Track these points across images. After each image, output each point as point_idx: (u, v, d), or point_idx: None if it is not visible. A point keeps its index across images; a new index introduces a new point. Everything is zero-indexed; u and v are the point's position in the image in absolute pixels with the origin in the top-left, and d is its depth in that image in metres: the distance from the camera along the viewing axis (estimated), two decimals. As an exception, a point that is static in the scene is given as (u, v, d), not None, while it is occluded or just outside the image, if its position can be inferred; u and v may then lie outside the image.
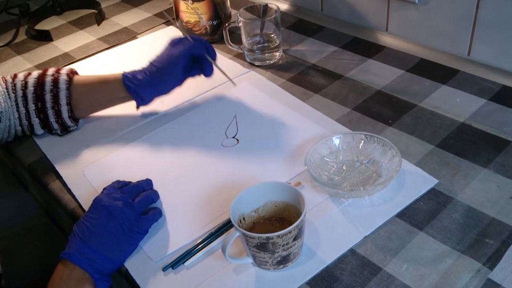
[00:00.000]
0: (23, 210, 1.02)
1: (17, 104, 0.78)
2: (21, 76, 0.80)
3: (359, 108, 0.81)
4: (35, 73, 0.81)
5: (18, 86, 0.78)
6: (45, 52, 1.08)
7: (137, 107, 0.82)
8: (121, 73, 0.80)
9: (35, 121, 0.79)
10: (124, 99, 0.81)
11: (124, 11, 1.22)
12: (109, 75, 0.81)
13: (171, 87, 0.81)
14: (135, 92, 0.79)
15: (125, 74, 0.80)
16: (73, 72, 0.82)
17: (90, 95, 0.81)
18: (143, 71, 0.79)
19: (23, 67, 1.04)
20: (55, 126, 0.80)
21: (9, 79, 0.80)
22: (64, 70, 0.81)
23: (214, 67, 0.82)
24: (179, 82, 0.81)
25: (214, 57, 0.82)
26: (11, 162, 0.87)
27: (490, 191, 0.64)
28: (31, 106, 0.78)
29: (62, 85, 0.79)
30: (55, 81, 0.79)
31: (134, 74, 0.80)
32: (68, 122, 0.81)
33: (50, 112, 0.79)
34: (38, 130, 0.80)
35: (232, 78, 0.91)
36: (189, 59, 0.80)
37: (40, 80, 0.79)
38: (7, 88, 0.78)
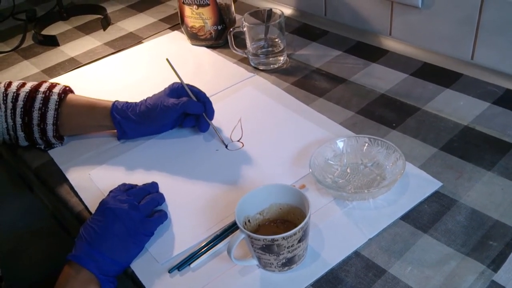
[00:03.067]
0: (29, 213, 1.03)
1: (5, 115, 0.78)
2: (14, 86, 0.80)
3: (363, 111, 0.82)
4: (28, 86, 0.80)
5: (9, 97, 0.78)
6: (51, 57, 1.09)
7: (118, 138, 0.81)
8: (112, 102, 0.79)
9: (20, 134, 0.80)
10: (111, 128, 0.81)
11: (130, 16, 1.23)
12: (100, 101, 0.80)
13: (158, 132, 0.81)
14: (119, 125, 0.78)
15: (115, 104, 0.79)
16: (66, 91, 0.81)
17: (77, 118, 0.80)
18: (134, 107, 0.78)
19: (29, 71, 1.05)
20: (39, 141, 0.81)
21: (2, 88, 0.79)
22: (57, 89, 0.80)
23: (213, 126, 0.80)
24: (167, 129, 0.81)
25: (211, 116, 0.80)
26: (17, 165, 0.88)
27: (494, 194, 0.65)
28: (18, 120, 0.78)
29: (51, 105, 0.78)
30: (46, 100, 0.78)
31: (124, 107, 0.78)
32: (52, 140, 0.81)
33: (36, 129, 0.79)
34: (23, 142, 0.81)
35: (237, 82, 0.93)
36: (182, 114, 0.79)
37: (31, 95, 0.78)
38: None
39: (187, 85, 0.79)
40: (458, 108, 0.80)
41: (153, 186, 0.71)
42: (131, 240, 0.62)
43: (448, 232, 0.61)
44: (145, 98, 0.79)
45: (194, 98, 0.78)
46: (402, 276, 0.56)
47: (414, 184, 0.67)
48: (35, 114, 0.78)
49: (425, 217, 0.63)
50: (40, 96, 0.79)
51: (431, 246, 0.59)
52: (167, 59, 0.79)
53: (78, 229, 0.63)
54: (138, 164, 0.77)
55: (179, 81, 0.79)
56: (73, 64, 1.06)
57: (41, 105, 0.78)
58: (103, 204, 0.64)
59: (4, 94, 0.79)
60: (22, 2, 1.38)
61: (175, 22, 1.16)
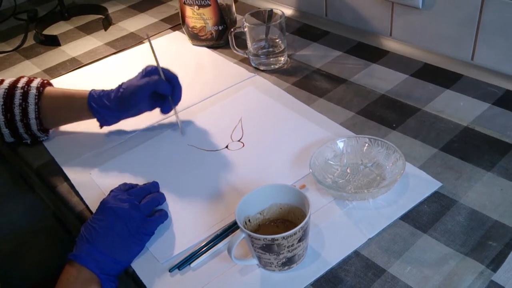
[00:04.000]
0: (31, 212, 1.03)
1: None
2: None
3: (363, 112, 0.82)
4: (6, 83, 0.81)
5: None
6: (53, 57, 1.10)
7: (100, 126, 0.82)
8: (89, 91, 0.80)
9: (5, 131, 0.80)
10: (91, 117, 0.81)
11: (131, 16, 1.23)
12: (78, 92, 0.81)
13: (136, 114, 0.81)
14: (98, 114, 0.79)
15: (91, 93, 0.80)
16: (44, 85, 0.82)
17: (57, 111, 0.81)
18: (110, 94, 0.79)
19: (31, 71, 1.05)
20: (25, 136, 0.82)
21: None
22: (35, 83, 0.81)
23: (175, 111, 0.82)
24: (145, 110, 0.81)
25: (177, 100, 0.81)
26: (19, 164, 0.88)
27: (494, 194, 0.65)
28: (1, 117, 0.79)
29: (31, 100, 0.79)
30: (25, 95, 0.79)
31: (100, 95, 0.79)
32: (38, 133, 0.82)
33: (19, 124, 0.80)
34: (8, 138, 0.82)
35: (238, 82, 0.93)
36: (153, 93, 0.79)
37: (10, 92, 0.79)
38: None
39: (162, 68, 0.79)
40: (458, 108, 0.80)
41: (154, 185, 0.71)
42: (132, 239, 0.62)
43: (447, 232, 0.61)
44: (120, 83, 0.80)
45: (164, 79, 0.79)
46: (401, 276, 0.57)
47: (414, 184, 0.67)
48: (17, 110, 0.79)
49: (424, 217, 0.63)
50: (19, 92, 0.79)
51: (430, 246, 0.60)
52: (147, 36, 0.82)
53: (79, 229, 0.63)
54: (139, 163, 0.78)
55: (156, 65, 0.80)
56: (74, 64, 1.06)
57: (21, 101, 0.79)
58: (104, 204, 0.64)
59: None
60: (23, 2, 1.38)
61: (176, 22, 1.16)
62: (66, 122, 0.85)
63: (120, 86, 0.79)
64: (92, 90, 0.80)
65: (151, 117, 0.87)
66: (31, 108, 0.79)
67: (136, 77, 0.80)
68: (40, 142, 0.84)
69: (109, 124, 0.82)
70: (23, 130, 0.80)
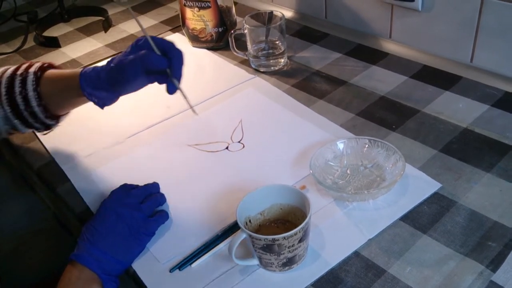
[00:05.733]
0: (31, 213, 1.03)
1: None
2: None
3: (363, 113, 0.82)
4: (10, 71, 0.75)
5: None
6: (53, 58, 1.10)
7: (100, 107, 0.72)
8: (79, 71, 0.71)
9: (16, 122, 0.75)
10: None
11: (131, 18, 1.24)
12: (72, 72, 0.73)
13: (131, 91, 0.71)
14: (92, 96, 0.71)
15: (82, 74, 0.70)
16: (42, 69, 0.75)
17: (58, 95, 0.74)
18: (99, 73, 0.70)
19: (31, 73, 1.05)
20: (36, 125, 0.76)
21: None
22: (33, 67, 0.74)
23: (178, 86, 0.69)
24: (143, 85, 0.71)
25: (177, 73, 0.68)
26: (19, 165, 0.88)
27: (493, 195, 0.65)
28: (7, 109, 0.74)
29: (29, 86, 0.72)
30: (23, 82, 0.73)
31: (90, 76, 0.70)
32: (47, 121, 0.75)
33: (26, 114, 0.74)
34: (23, 129, 0.77)
35: (238, 84, 0.93)
36: (144, 68, 0.67)
37: (11, 80, 0.73)
38: None
39: (152, 37, 0.68)
40: (458, 110, 0.80)
41: (155, 186, 0.71)
42: (133, 239, 0.62)
43: (447, 232, 0.61)
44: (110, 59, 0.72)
45: (157, 52, 0.67)
46: (401, 276, 0.57)
47: (414, 185, 0.68)
48: (19, 99, 0.73)
49: (424, 218, 0.64)
50: (18, 79, 0.73)
51: (430, 247, 0.60)
52: (128, 8, 0.74)
53: (80, 229, 0.63)
54: (140, 164, 0.78)
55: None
56: (74, 65, 1.06)
57: (20, 88, 0.73)
58: (105, 204, 0.65)
59: None
60: (23, 4, 1.39)
61: (176, 24, 1.16)
62: (71, 106, 0.77)
63: (109, 62, 0.70)
64: (83, 69, 0.72)
65: (152, 117, 0.87)
66: (31, 94, 0.72)
67: (125, 51, 0.70)
68: (40, 143, 0.84)
69: (107, 104, 0.72)
70: (31, 119, 0.74)
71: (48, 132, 0.79)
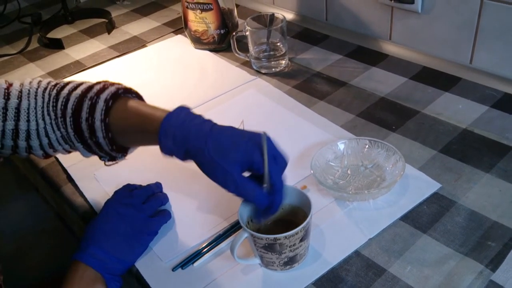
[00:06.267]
0: (34, 213, 1.03)
1: (56, 124, 0.63)
2: (66, 89, 0.64)
3: (364, 114, 0.83)
4: (80, 89, 0.63)
5: (59, 103, 0.63)
6: (56, 60, 1.11)
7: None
8: (163, 118, 0.58)
9: (78, 145, 0.65)
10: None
11: (134, 20, 1.25)
12: (152, 114, 0.59)
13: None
14: (170, 153, 0.60)
15: (164, 126, 0.57)
16: (114, 96, 0.62)
17: (129, 134, 0.63)
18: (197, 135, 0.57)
19: (35, 74, 1.06)
20: (101, 154, 0.65)
21: (53, 91, 0.64)
22: (106, 93, 0.62)
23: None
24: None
25: (274, 210, 0.57)
26: (23, 165, 0.89)
27: (492, 195, 0.66)
28: (70, 132, 0.63)
29: (97, 115, 0.61)
30: (92, 108, 0.61)
31: (174, 134, 0.57)
32: (113, 153, 0.65)
33: (90, 142, 0.63)
34: (85, 154, 0.67)
35: (239, 85, 0.94)
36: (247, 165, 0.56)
37: (80, 102, 0.62)
38: (48, 101, 0.63)
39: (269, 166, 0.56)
40: (457, 111, 0.81)
41: (157, 186, 0.72)
42: (136, 239, 0.63)
43: (447, 232, 0.62)
44: (215, 122, 0.59)
45: (266, 184, 0.56)
46: (401, 275, 0.57)
47: (414, 185, 0.68)
48: (84, 126, 0.62)
49: (424, 217, 0.64)
50: (87, 103, 0.62)
51: (430, 246, 0.60)
52: (263, 134, 0.57)
53: (83, 229, 0.64)
54: (143, 164, 0.78)
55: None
56: (78, 67, 1.07)
57: (87, 115, 0.61)
58: (108, 204, 0.65)
59: (54, 100, 0.64)
60: (27, 6, 1.40)
61: (179, 26, 1.17)
62: (144, 145, 0.65)
63: (215, 126, 0.58)
64: (166, 116, 0.58)
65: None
66: (97, 125, 0.61)
67: (237, 135, 0.57)
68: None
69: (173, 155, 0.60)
70: (96, 148, 0.64)
71: (113, 164, 0.70)
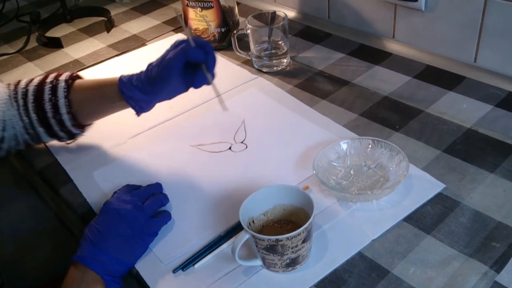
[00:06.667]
0: (33, 214, 1.03)
1: (19, 113, 0.75)
2: (23, 83, 0.77)
3: (366, 113, 0.82)
4: (36, 80, 0.77)
5: (19, 94, 0.76)
6: (55, 59, 1.10)
7: (137, 114, 0.74)
8: (118, 77, 0.73)
9: (40, 130, 0.76)
10: (124, 105, 0.74)
11: (133, 18, 1.24)
12: (107, 80, 0.75)
13: (171, 94, 0.73)
14: (131, 100, 0.72)
15: (121, 79, 0.73)
16: (73, 77, 0.77)
17: (89, 103, 0.76)
18: (139, 76, 0.72)
19: (34, 73, 1.05)
20: (61, 134, 0.77)
21: (12, 86, 0.77)
22: (64, 76, 0.77)
23: (211, 80, 0.71)
24: (179, 89, 0.72)
25: (211, 67, 0.70)
26: (22, 166, 0.89)
27: (497, 196, 0.65)
28: (33, 116, 0.75)
29: (60, 93, 0.74)
30: (54, 89, 0.75)
31: (130, 79, 0.72)
32: (73, 130, 0.77)
33: (52, 122, 0.75)
34: (45, 138, 0.78)
35: (240, 84, 0.93)
36: (185, 64, 0.69)
37: (40, 88, 0.75)
38: (10, 96, 0.76)
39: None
40: (461, 110, 0.80)
41: (157, 186, 0.71)
42: (136, 240, 0.62)
43: (451, 233, 0.61)
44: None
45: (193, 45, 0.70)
46: (405, 277, 0.57)
47: (417, 185, 0.67)
48: (47, 106, 0.74)
49: (428, 218, 0.63)
50: (48, 87, 0.75)
51: (434, 247, 0.60)
52: (174, 9, 0.78)
53: (83, 230, 0.63)
54: (143, 165, 0.78)
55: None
56: (77, 66, 1.07)
57: (50, 96, 0.74)
58: (107, 205, 0.64)
59: (14, 92, 0.76)
60: (26, 4, 1.39)
61: (179, 24, 1.16)
62: (100, 115, 0.79)
63: (149, 64, 0.72)
64: (121, 75, 0.73)
65: (155, 118, 0.87)
66: (61, 102, 0.74)
67: (164, 53, 0.71)
68: (43, 144, 0.84)
69: (145, 110, 0.74)
70: (57, 128, 0.76)
71: (71, 142, 0.80)
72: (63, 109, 0.75)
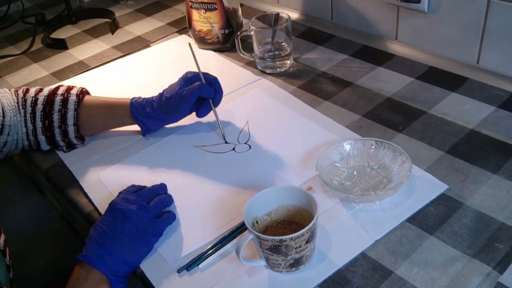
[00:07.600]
0: (38, 214, 1.03)
1: (25, 120, 0.80)
2: (32, 92, 0.81)
3: (369, 114, 0.83)
4: (46, 90, 0.82)
5: (28, 102, 0.80)
6: (60, 60, 1.11)
7: (143, 134, 0.84)
8: (130, 100, 0.81)
9: (42, 138, 0.81)
10: (131, 124, 0.83)
11: (138, 20, 1.24)
12: (118, 100, 0.82)
13: (177, 120, 0.83)
14: (142, 123, 0.81)
15: (133, 103, 0.81)
16: (83, 92, 0.83)
17: (97, 118, 0.83)
18: (152, 103, 0.80)
19: (39, 74, 1.06)
20: (61, 143, 0.82)
21: (21, 94, 0.81)
22: (75, 90, 0.82)
23: (217, 114, 0.83)
24: (184, 115, 0.83)
25: (218, 102, 0.82)
26: (27, 166, 0.89)
27: (500, 197, 0.65)
28: (39, 124, 0.80)
29: (71, 106, 0.80)
30: (65, 101, 0.80)
31: (142, 105, 0.80)
32: (74, 141, 0.82)
33: (57, 131, 0.80)
34: (44, 146, 0.82)
35: (244, 85, 0.94)
36: (197, 99, 0.80)
37: (50, 98, 0.80)
38: (17, 103, 0.80)
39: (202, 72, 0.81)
40: (464, 111, 0.80)
41: (162, 187, 0.71)
42: (140, 240, 0.63)
43: (454, 234, 0.61)
44: (161, 91, 0.81)
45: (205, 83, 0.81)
46: (408, 277, 0.57)
47: (420, 186, 0.68)
48: (55, 116, 0.80)
49: (431, 219, 0.64)
50: (59, 98, 0.80)
51: (437, 248, 0.60)
52: (189, 44, 0.84)
53: (88, 230, 0.63)
54: (147, 165, 0.78)
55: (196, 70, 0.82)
56: (81, 67, 1.07)
57: (60, 107, 0.80)
58: (112, 205, 0.65)
59: (23, 100, 0.80)
60: (31, 6, 1.40)
61: (183, 26, 1.17)
62: (103, 130, 0.86)
63: (162, 94, 0.80)
64: (133, 99, 0.81)
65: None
66: (70, 114, 0.80)
67: (177, 84, 0.81)
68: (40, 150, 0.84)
69: (150, 132, 0.83)
70: (60, 137, 0.81)
71: (69, 151, 0.84)
72: (70, 120, 0.80)
